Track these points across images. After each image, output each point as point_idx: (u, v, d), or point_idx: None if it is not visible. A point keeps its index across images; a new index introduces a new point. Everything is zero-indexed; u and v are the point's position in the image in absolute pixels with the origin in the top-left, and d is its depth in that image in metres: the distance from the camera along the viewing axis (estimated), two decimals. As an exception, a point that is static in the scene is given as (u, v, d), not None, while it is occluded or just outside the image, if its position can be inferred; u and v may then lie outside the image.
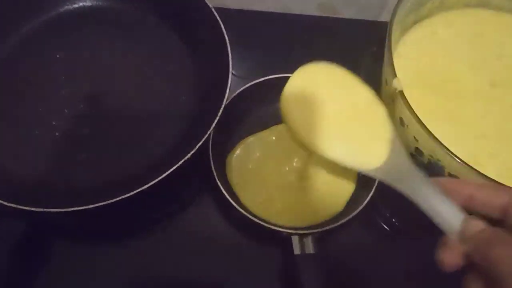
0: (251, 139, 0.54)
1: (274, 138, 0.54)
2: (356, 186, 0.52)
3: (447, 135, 0.41)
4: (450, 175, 0.41)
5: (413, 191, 0.32)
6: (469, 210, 0.29)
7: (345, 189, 0.52)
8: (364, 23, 0.69)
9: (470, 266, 0.27)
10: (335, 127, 0.41)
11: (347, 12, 0.69)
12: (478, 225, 0.28)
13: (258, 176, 0.52)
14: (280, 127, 0.54)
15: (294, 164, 0.53)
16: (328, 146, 0.40)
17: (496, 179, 0.38)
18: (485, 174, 0.38)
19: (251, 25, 0.67)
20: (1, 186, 0.44)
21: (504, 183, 0.37)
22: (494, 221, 0.28)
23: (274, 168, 0.53)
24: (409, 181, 0.33)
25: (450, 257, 0.27)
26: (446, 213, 0.29)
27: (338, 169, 0.52)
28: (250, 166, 0.53)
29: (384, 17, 0.69)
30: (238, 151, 0.53)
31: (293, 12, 0.69)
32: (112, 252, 0.52)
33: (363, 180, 0.51)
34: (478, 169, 0.38)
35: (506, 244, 0.25)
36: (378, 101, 0.40)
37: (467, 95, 0.50)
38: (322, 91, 0.42)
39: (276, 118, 0.51)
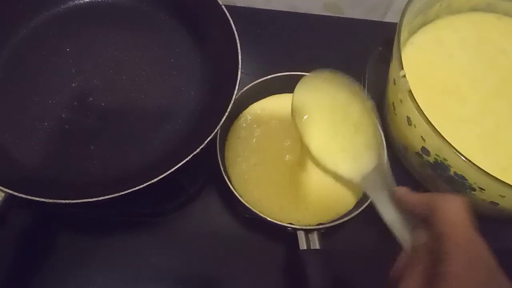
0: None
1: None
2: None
3: (450, 135, 0.42)
4: (455, 174, 0.42)
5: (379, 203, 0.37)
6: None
7: (354, 189, 0.52)
8: (369, 23, 0.70)
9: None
10: (331, 133, 0.46)
11: (352, 12, 0.70)
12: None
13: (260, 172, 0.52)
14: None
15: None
16: (323, 152, 0.46)
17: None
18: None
19: (257, 23, 0.67)
20: (12, 177, 0.45)
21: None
22: None
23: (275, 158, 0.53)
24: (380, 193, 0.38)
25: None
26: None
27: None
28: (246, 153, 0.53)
29: (389, 18, 0.70)
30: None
31: (300, 11, 0.70)
32: (116, 244, 0.52)
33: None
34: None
35: None
36: (372, 113, 0.44)
37: (469, 98, 0.51)
38: (325, 99, 0.46)
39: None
